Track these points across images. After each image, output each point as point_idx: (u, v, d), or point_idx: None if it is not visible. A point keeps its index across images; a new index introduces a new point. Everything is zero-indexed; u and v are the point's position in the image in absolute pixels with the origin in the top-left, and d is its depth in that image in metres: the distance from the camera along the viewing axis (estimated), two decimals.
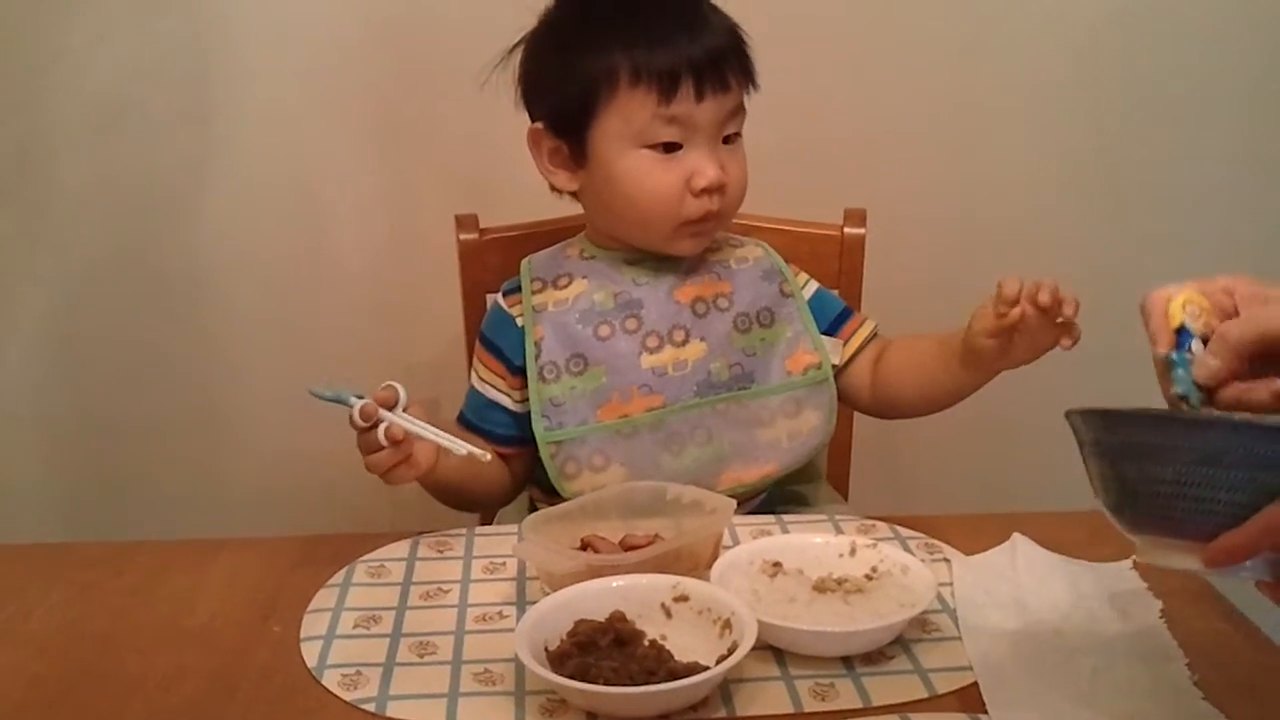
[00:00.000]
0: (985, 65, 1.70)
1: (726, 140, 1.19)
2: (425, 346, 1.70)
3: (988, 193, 1.73)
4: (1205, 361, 0.76)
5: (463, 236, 1.41)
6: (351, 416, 1.04)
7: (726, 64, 1.16)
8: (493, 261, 1.39)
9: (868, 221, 1.43)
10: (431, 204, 1.65)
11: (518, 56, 1.22)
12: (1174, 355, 0.78)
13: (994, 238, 1.74)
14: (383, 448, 1.05)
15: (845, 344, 1.25)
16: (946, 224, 1.73)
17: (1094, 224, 1.76)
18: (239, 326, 1.74)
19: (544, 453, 1.17)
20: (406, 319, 1.72)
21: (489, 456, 1.06)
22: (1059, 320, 1.04)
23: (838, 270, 1.42)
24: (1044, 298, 1.02)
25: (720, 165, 1.17)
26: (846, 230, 1.42)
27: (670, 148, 1.16)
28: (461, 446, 1.05)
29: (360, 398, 1.05)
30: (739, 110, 1.19)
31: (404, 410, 1.06)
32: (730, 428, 1.20)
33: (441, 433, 1.06)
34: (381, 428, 1.04)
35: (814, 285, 1.29)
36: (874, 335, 1.27)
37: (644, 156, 1.16)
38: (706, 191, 1.16)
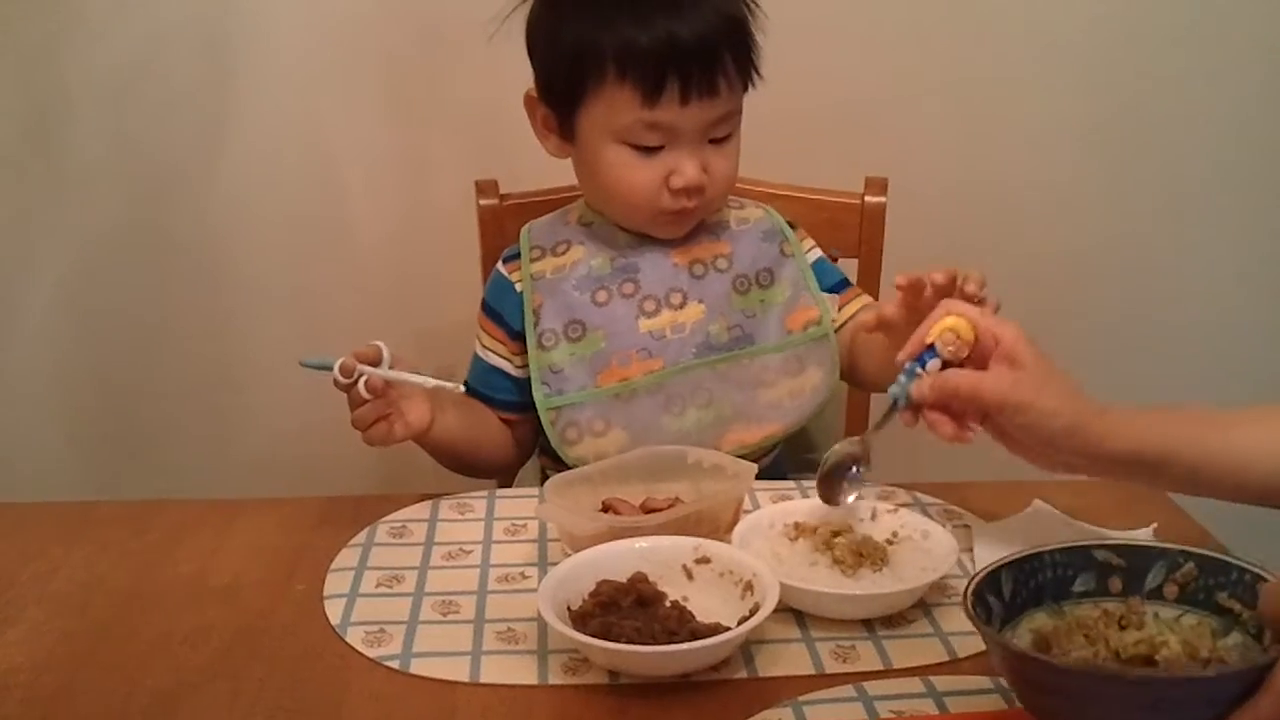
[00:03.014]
0: (1006, 31, 1.68)
1: (716, 140, 1.16)
2: (443, 314, 1.69)
3: (1009, 160, 1.72)
4: (922, 385, 0.91)
5: (483, 202, 1.40)
6: (334, 376, 1.04)
7: (719, 64, 1.12)
8: (513, 228, 1.37)
9: (889, 190, 1.42)
10: (449, 171, 1.64)
11: (524, 13, 1.20)
12: (910, 364, 0.92)
13: (1016, 206, 1.72)
14: (366, 401, 1.05)
15: (839, 310, 1.25)
16: (968, 192, 1.71)
17: (1116, 190, 1.74)
18: (255, 293, 1.73)
19: (544, 419, 1.18)
20: (424, 286, 1.72)
21: (460, 389, 1.08)
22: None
23: (858, 239, 1.42)
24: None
25: (703, 165, 1.15)
26: (867, 199, 1.42)
27: (651, 150, 1.14)
28: (430, 380, 1.05)
29: None
30: (730, 115, 1.16)
31: (389, 369, 1.06)
32: (731, 389, 1.20)
33: (421, 376, 1.06)
34: (361, 381, 1.04)
35: (817, 252, 1.28)
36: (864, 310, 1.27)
37: (624, 151, 1.15)
38: (684, 191, 1.15)
